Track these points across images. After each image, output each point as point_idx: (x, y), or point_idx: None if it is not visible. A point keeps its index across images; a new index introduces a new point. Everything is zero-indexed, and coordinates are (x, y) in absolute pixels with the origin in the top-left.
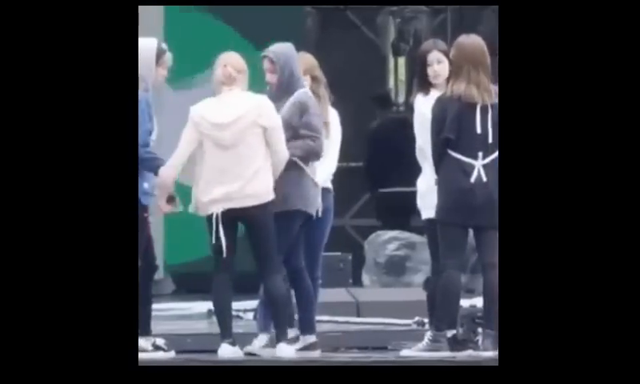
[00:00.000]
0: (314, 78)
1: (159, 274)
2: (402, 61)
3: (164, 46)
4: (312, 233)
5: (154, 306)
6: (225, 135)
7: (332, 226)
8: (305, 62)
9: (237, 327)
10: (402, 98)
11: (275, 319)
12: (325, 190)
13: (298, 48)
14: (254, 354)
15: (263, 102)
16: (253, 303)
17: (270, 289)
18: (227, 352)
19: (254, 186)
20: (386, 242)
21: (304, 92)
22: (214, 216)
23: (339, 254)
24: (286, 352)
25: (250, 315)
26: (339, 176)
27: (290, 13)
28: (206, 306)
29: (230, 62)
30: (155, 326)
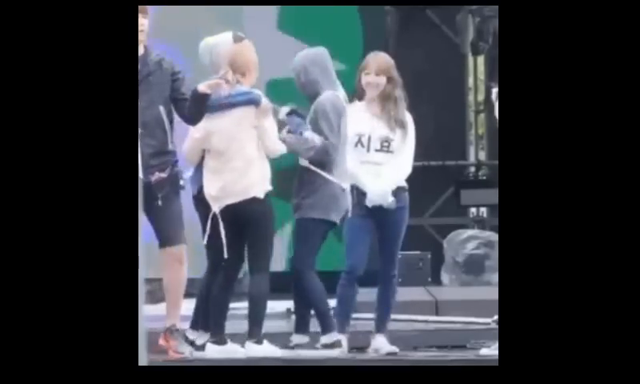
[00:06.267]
0: (389, 79)
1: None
2: (480, 60)
3: (240, 34)
4: (386, 231)
5: (232, 304)
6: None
7: (411, 225)
8: (379, 62)
9: (315, 326)
10: (481, 97)
11: (251, 317)
12: (400, 189)
13: (379, 47)
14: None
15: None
16: (331, 302)
17: (255, 286)
18: (212, 351)
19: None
20: (465, 240)
21: (325, 95)
22: (211, 214)
23: (418, 252)
24: (255, 351)
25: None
26: (418, 175)
27: (371, 12)
28: (285, 304)
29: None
30: (233, 325)
